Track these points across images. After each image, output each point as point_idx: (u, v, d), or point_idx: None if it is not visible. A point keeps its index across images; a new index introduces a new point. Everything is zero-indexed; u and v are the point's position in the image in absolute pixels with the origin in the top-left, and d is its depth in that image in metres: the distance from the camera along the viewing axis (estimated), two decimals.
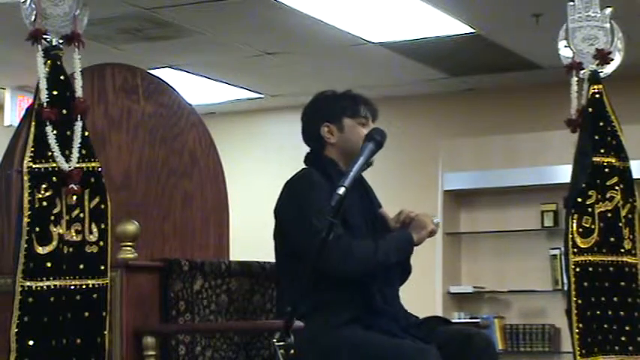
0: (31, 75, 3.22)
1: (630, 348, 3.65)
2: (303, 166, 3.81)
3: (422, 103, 9.41)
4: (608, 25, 3.78)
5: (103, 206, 3.19)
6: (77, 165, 3.13)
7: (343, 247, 3.50)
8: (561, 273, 8.23)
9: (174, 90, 4.25)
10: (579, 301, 3.60)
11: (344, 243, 3.51)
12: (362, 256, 3.57)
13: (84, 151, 3.16)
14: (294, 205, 3.66)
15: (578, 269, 3.61)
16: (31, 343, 3.01)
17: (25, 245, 3.03)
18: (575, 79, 3.73)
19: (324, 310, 3.53)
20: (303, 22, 7.11)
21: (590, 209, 3.64)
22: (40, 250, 3.05)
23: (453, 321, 4.90)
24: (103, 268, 3.17)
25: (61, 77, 3.16)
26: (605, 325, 3.63)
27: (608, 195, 3.67)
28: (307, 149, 3.87)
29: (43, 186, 3.07)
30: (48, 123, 3.10)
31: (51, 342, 3.05)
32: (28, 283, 3.03)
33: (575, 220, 3.63)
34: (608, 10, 3.79)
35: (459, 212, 8.92)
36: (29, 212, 3.05)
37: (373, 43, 7.73)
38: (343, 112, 3.79)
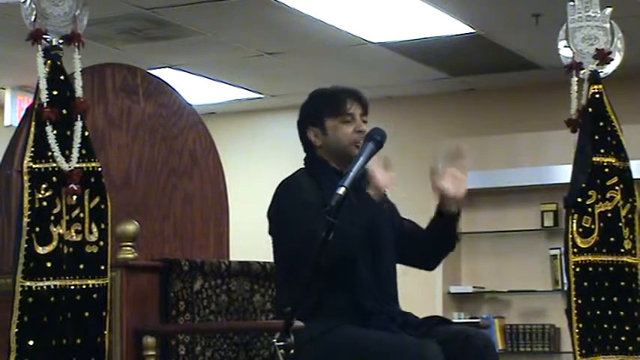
0: (31, 75, 3.22)
1: (630, 348, 3.65)
2: (301, 166, 3.80)
3: (422, 103, 9.41)
4: (608, 25, 3.78)
5: (103, 206, 3.19)
6: (77, 165, 3.13)
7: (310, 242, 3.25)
8: (561, 273, 8.23)
9: (175, 90, 4.26)
10: (579, 301, 3.60)
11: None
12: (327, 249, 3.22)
13: (84, 151, 3.16)
14: (280, 211, 3.65)
15: (578, 269, 3.61)
16: (31, 343, 3.01)
17: (25, 245, 3.03)
18: (575, 79, 3.73)
19: (320, 312, 3.50)
20: (303, 22, 7.11)
21: (590, 209, 3.64)
22: (40, 250, 3.05)
23: (454, 321, 4.89)
24: (103, 268, 3.17)
25: (61, 77, 3.16)
26: (605, 325, 3.63)
27: (608, 195, 3.67)
28: None
29: (43, 186, 3.07)
30: (48, 123, 3.09)
31: (51, 342, 3.05)
32: (28, 283, 3.02)
33: (575, 220, 3.63)
34: (608, 10, 3.79)
35: None
36: (29, 212, 3.04)
37: (373, 43, 7.73)
38: (324, 114, 3.71)
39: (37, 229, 3.04)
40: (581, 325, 3.59)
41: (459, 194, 3.73)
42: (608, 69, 3.77)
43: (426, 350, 3.35)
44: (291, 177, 3.72)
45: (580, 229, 3.63)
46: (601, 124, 3.70)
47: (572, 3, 3.79)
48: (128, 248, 3.53)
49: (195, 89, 8.84)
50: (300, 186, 3.62)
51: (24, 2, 3.15)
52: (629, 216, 3.70)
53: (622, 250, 3.66)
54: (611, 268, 3.65)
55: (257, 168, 9.80)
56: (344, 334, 3.46)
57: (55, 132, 3.10)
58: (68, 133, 3.14)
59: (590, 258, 3.63)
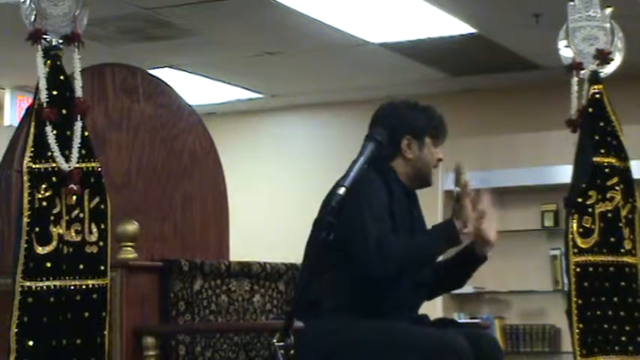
0: (31, 75, 3.22)
1: (630, 348, 3.65)
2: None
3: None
4: (608, 25, 3.79)
5: (102, 206, 3.19)
6: (77, 165, 3.13)
7: (385, 247, 3.48)
8: (561, 273, 8.23)
9: (174, 90, 4.25)
10: (579, 302, 3.60)
11: (387, 244, 3.49)
12: (400, 254, 3.53)
13: (84, 151, 3.16)
14: (356, 207, 3.58)
15: (578, 269, 3.62)
16: (31, 343, 3.01)
17: (25, 245, 3.03)
18: (575, 79, 3.74)
19: (342, 311, 3.51)
20: (303, 22, 7.11)
21: (590, 209, 3.64)
22: (40, 250, 3.05)
23: (460, 321, 4.90)
24: (102, 268, 3.18)
25: (61, 77, 3.16)
26: (606, 326, 3.63)
27: (608, 195, 3.67)
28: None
29: (43, 186, 3.07)
30: (48, 123, 3.10)
31: (51, 342, 3.05)
32: (28, 283, 3.03)
33: (575, 220, 3.63)
34: (608, 10, 3.79)
35: None
36: (29, 212, 3.05)
37: (373, 43, 7.72)
38: (427, 131, 3.78)
39: (37, 229, 3.05)
40: (581, 326, 3.59)
41: (493, 240, 3.95)
42: (609, 69, 3.77)
43: (458, 342, 3.42)
44: (366, 180, 3.67)
45: (580, 230, 3.63)
46: (601, 124, 3.70)
47: (572, 3, 3.79)
48: (128, 248, 3.53)
49: (195, 89, 8.84)
50: (377, 190, 3.61)
51: (24, 2, 3.16)
52: (630, 216, 3.70)
53: (622, 251, 3.67)
54: (611, 269, 3.66)
55: (257, 168, 9.79)
56: (368, 326, 3.47)
57: (54, 132, 3.10)
58: (68, 133, 3.14)
59: (590, 258, 3.63)
